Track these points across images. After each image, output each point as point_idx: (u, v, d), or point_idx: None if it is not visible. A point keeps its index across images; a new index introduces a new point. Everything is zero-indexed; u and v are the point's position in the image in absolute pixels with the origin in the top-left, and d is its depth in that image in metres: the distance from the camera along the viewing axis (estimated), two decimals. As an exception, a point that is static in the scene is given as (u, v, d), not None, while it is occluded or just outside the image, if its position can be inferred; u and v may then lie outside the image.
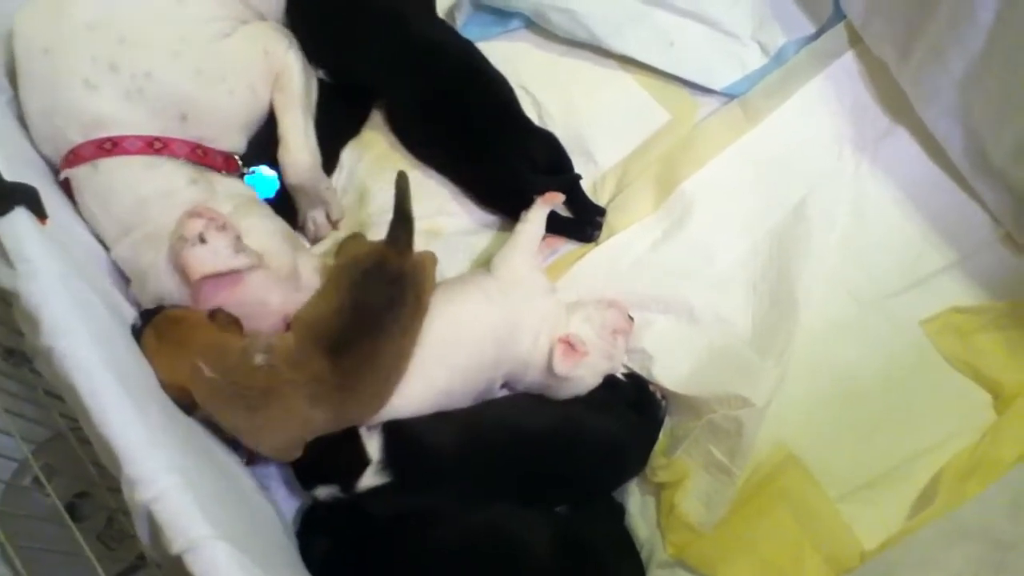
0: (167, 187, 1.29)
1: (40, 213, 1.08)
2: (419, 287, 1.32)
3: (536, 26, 1.72)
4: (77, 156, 1.26)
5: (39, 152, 1.31)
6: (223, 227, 1.21)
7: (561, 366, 1.34)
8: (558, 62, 1.71)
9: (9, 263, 1.01)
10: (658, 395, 1.44)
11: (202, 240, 1.18)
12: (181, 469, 0.94)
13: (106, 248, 1.30)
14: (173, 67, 1.33)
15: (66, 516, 1.25)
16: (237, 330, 1.23)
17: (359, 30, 1.56)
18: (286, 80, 1.48)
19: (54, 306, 0.98)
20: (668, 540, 1.37)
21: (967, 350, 1.45)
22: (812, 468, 1.38)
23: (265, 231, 1.33)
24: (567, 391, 1.40)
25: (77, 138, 1.27)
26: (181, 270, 1.20)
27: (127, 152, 1.27)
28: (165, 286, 1.23)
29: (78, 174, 1.27)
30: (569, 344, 1.35)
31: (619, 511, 1.41)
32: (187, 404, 1.16)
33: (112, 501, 1.36)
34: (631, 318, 1.45)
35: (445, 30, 1.65)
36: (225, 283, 1.22)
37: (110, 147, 1.26)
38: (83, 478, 1.35)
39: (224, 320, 1.22)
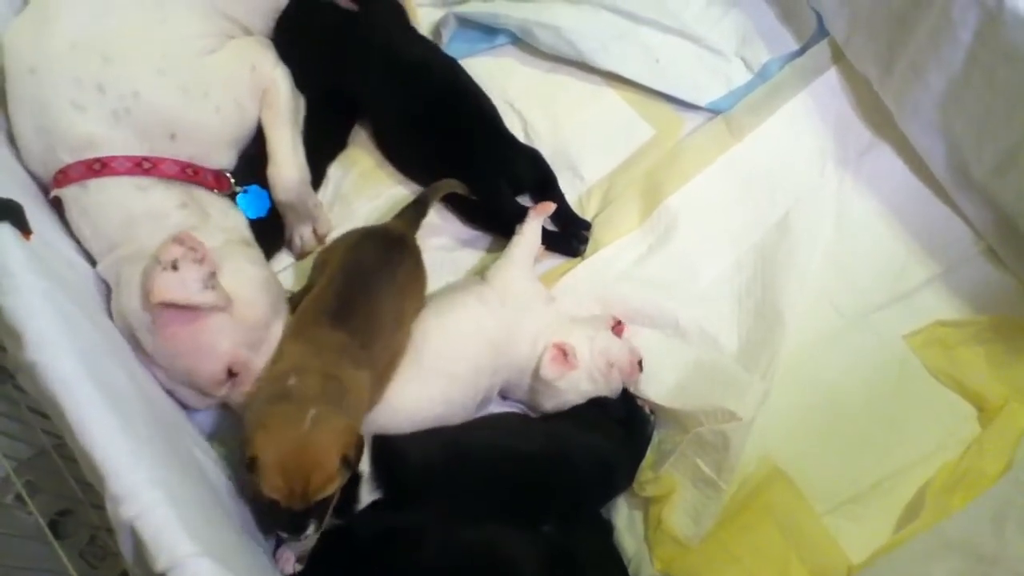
0: (157, 209, 1.28)
1: (24, 228, 1.08)
2: (419, 255, 1.39)
3: (522, 42, 1.73)
4: (66, 176, 1.26)
5: (27, 169, 1.30)
6: (201, 260, 1.18)
7: (547, 369, 1.35)
8: (544, 78, 1.72)
9: (-8, 278, 1.00)
10: (646, 410, 1.44)
11: (174, 267, 1.15)
12: (165, 484, 0.93)
13: (92, 264, 1.29)
14: (158, 85, 1.32)
15: (49, 534, 1.24)
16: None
17: (345, 50, 1.57)
18: (273, 96, 1.48)
19: (37, 321, 0.97)
20: (656, 555, 1.36)
21: (951, 363, 1.46)
22: (798, 482, 1.38)
23: (246, 277, 1.28)
24: (548, 401, 1.40)
25: (66, 158, 1.26)
26: (146, 291, 1.17)
27: (116, 173, 1.27)
28: (129, 304, 1.20)
29: (67, 194, 1.27)
30: (562, 351, 1.36)
31: (607, 527, 1.40)
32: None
33: (95, 518, 1.35)
34: (640, 367, 1.44)
35: (429, 48, 1.66)
36: (183, 316, 1.18)
37: (99, 168, 1.26)
38: (66, 495, 1.34)
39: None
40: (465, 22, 1.73)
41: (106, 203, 1.26)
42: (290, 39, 1.57)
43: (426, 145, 1.57)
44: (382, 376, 1.30)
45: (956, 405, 1.44)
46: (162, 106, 1.32)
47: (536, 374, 1.37)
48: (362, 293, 1.28)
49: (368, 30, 1.59)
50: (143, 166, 1.29)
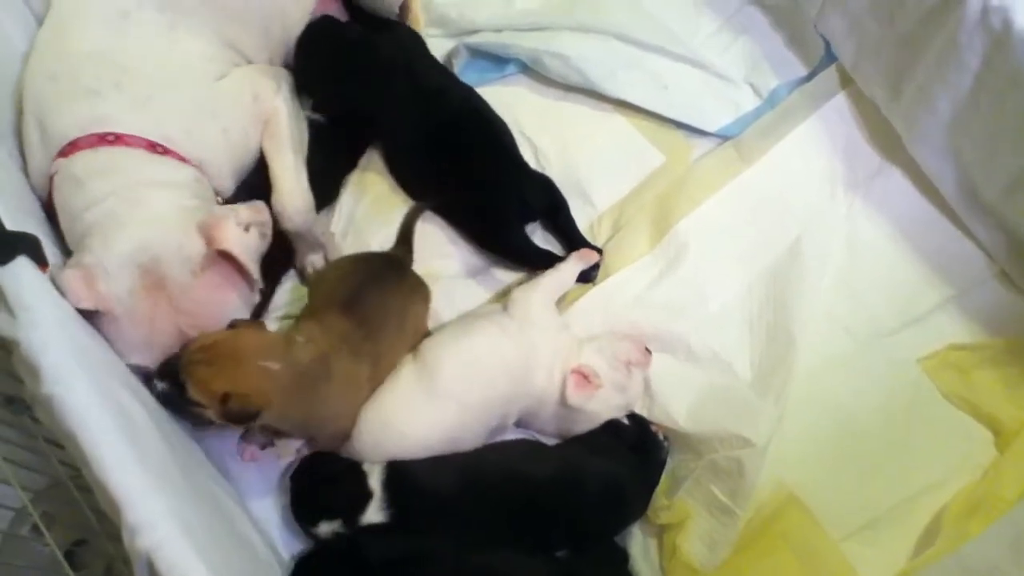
0: (170, 179, 1.28)
1: (41, 261, 1.09)
2: (417, 278, 1.47)
3: (532, 71, 1.75)
4: (75, 146, 1.25)
5: (36, 195, 1.31)
6: (264, 236, 1.29)
7: (575, 396, 1.36)
8: (554, 106, 1.73)
9: (10, 311, 1.01)
10: (660, 435, 1.44)
11: (246, 229, 1.23)
12: (180, 515, 0.94)
13: None
14: (171, 95, 1.34)
15: (65, 564, 1.24)
16: (261, 326, 1.30)
17: (364, 74, 1.58)
18: (275, 126, 1.48)
19: (54, 354, 0.98)
20: (671, 582, 1.36)
21: (966, 387, 1.46)
22: (813, 508, 1.37)
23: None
24: (581, 425, 1.41)
25: (76, 134, 1.25)
26: (210, 230, 1.19)
27: (130, 145, 1.26)
28: (171, 238, 1.19)
29: (71, 162, 1.24)
30: (583, 375, 1.36)
31: (621, 555, 1.40)
32: (252, 411, 1.17)
33: (111, 549, 1.35)
34: (648, 351, 1.45)
35: (447, 76, 1.68)
36: (225, 271, 1.24)
37: (112, 139, 1.26)
38: (82, 526, 1.34)
39: (247, 324, 1.25)
40: (476, 52, 1.75)
41: (118, 165, 1.25)
42: (309, 59, 1.58)
43: (439, 171, 1.58)
44: (377, 374, 1.36)
45: (971, 429, 1.43)
46: (175, 111, 1.33)
47: (563, 402, 1.38)
48: (373, 287, 1.37)
49: (388, 55, 1.60)
50: (156, 149, 1.29)
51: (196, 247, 1.20)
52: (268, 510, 1.36)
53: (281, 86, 1.52)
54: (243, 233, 1.23)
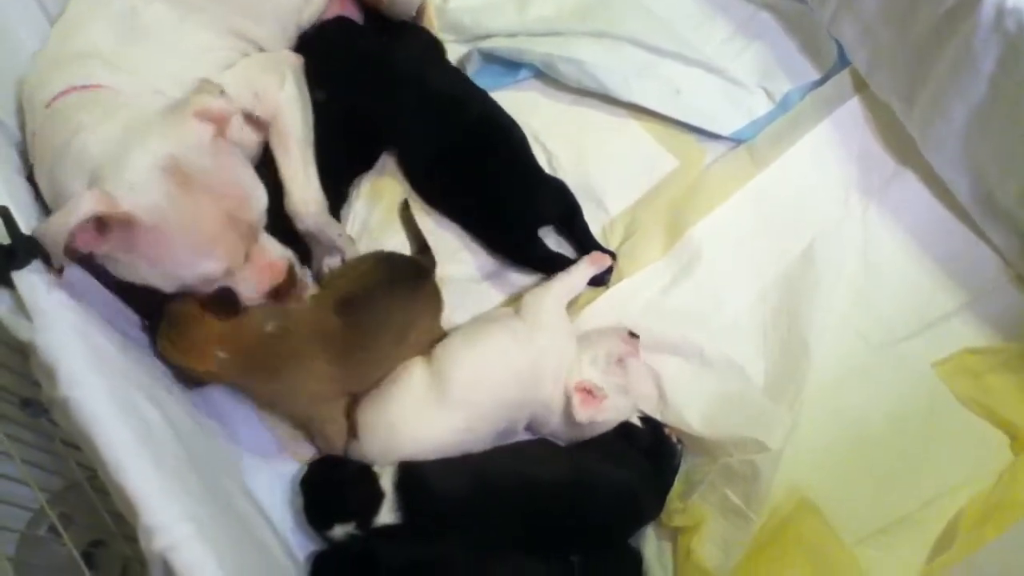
0: (149, 101, 1.24)
1: (56, 265, 1.10)
2: (435, 286, 1.48)
3: (545, 76, 1.75)
4: (65, 92, 1.23)
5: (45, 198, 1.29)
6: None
7: (583, 414, 1.37)
8: (567, 111, 1.74)
9: (26, 315, 1.02)
10: (673, 439, 1.44)
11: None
12: (196, 518, 0.95)
13: (118, 294, 1.29)
14: (167, 77, 1.31)
15: (82, 565, 1.25)
16: (234, 310, 1.26)
17: (381, 77, 1.59)
18: (279, 125, 1.44)
19: (70, 357, 0.99)
20: (684, 586, 1.36)
21: (981, 391, 1.45)
22: (827, 513, 1.37)
23: None
24: (595, 430, 1.41)
25: (60, 88, 1.23)
26: (205, 111, 1.16)
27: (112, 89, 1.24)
28: (187, 131, 1.15)
29: (52, 108, 1.21)
30: (586, 391, 1.36)
31: (635, 558, 1.40)
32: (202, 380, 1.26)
33: (128, 549, 1.36)
34: (634, 335, 1.46)
35: (462, 80, 1.68)
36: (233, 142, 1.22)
37: (95, 87, 1.24)
38: (99, 527, 1.35)
39: (219, 304, 1.24)
40: (489, 57, 1.76)
41: (94, 101, 1.21)
42: (324, 62, 1.57)
43: (455, 177, 1.59)
44: (360, 380, 1.37)
45: (987, 434, 1.43)
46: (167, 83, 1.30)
47: (572, 419, 1.38)
48: (382, 294, 1.37)
49: (403, 62, 1.61)
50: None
51: (202, 132, 1.15)
52: (283, 513, 1.37)
53: (286, 79, 1.46)
54: (224, 98, 1.19)
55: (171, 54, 1.35)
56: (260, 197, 1.24)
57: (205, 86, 1.19)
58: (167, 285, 1.19)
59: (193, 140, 1.14)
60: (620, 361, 1.43)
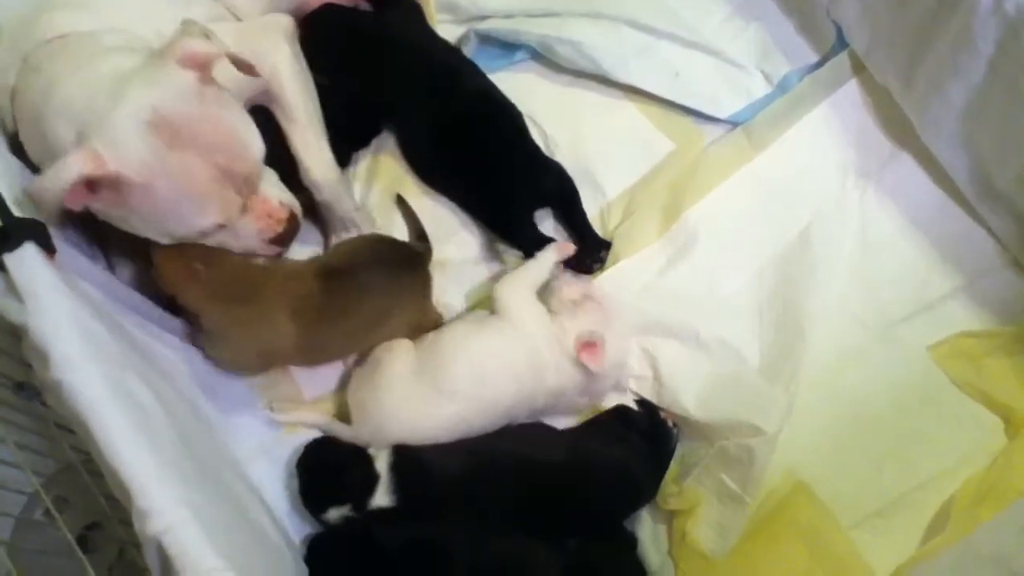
0: (124, 43, 1.19)
1: (48, 248, 1.09)
2: (428, 275, 1.46)
3: (542, 58, 1.74)
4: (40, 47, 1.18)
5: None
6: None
7: (598, 366, 1.36)
8: (564, 93, 1.73)
9: (18, 297, 1.01)
10: (670, 423, 1.44)
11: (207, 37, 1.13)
12: (191, 501, 0.94)
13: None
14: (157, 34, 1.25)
15: (77, 548, 1.25)
16: None
17: (379, 56, 1.58)
18: (280, 89, 1.38)
19: (63, 340, 0.99)
20: (680, 569, 1.36)
21: (976, 375, 1.45)
22: (823, 496, 1.37)
23: None
24: (617, 376, 1.44)
25: (32, 47, 1.18)
26: (187, 57, 1.09)
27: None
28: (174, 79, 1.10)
29: (26, 62, 1.17)
30: (587, 345, 1.36)
31: (631, 541, 1.40)
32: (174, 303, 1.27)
33: (123, 533, 1.36)
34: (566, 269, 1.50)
35: (457, 59, 1.67)
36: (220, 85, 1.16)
37: (65, 36, 1.19)
38: (94, 510, 1.35)
39: None
40: (486, 38, 1.74)
41: (65, 49, 1.16)
42: (316, 46, 1.53)
43: (452, 157, 1.58)
44: (317, 353, 1.39)
45: (982, 417, 1.43)
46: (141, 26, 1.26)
47: (591, 381, 1.39)
48: (360, 271, 1.36)
49: (398, 44, 1.60)
50: None
51: (185, 78, 1.10)
52: (278, 497, 1.37)
53: (279, 41, 1.40)
54: (207, 40, 1.12)
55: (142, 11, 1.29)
56: (255, 146, 1.19)
57: (188, 28, 1.12)
58: (161, 238, 1.19)
59: (178, 89, 1.10)
60: (580, 300, 1.42)
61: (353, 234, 1.52)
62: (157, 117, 1.08)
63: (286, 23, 1.44)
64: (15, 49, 1.20)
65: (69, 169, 1.03)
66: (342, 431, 1.38)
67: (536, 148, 1.60)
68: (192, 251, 1.22)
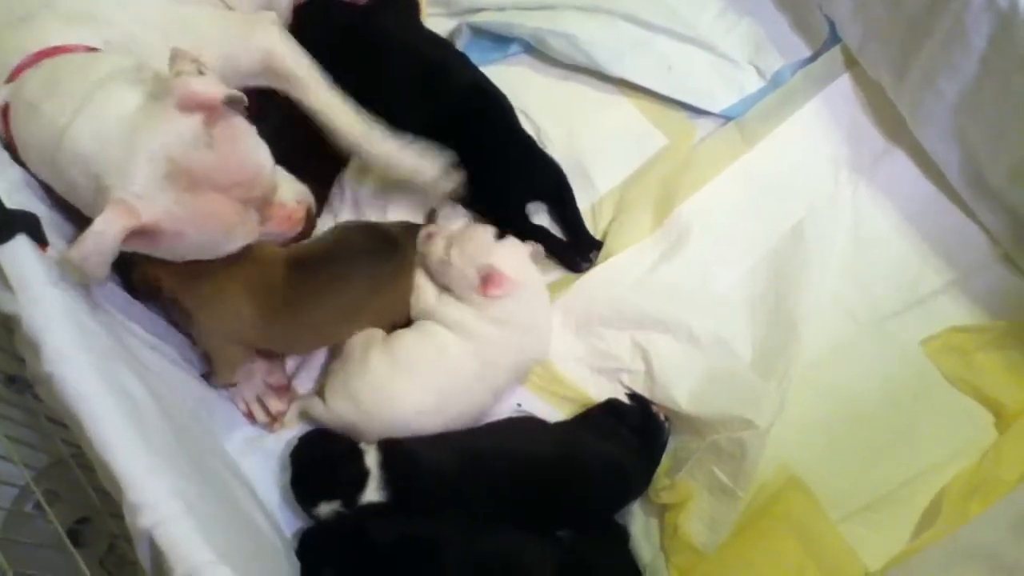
0: (115, 68, 1.16)
1: (41, 240, 1.08)
2: (409, 262, 1.41)
3: (535, 51, 1.74)
4: (19, 69, 1.17)
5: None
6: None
7: (503, 288, 1.36)
8: (557, 87, 1.72)
9: (10, 289, 1.01)
10: (661, 417, 1.44)
11: (200, 72, 1.12)
12: (183, 494, 0.94)
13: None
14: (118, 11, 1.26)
15: (68, 542, 1.24)
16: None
17: (362, 51, 1.57)
18: (280, 65, 1.38)
19: (55, 332, 0.98)
20: (672, 562, 1.36)
21: (968, 369, 1.46)
22: (814, 489, 1.37)
23: None
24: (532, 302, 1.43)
25: (16, 60, 1.17)
26: (188, 100, 1.08)
27: (70, 51, 1.18)
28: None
29: (18, 86, 1.15)
30: (489, 277, 1.36)
31: (623, 535, 1.40)
32: (149, 289, 1.25)
33: (114, 527, 1.36)
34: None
35: (446, 50, 1.66)
36: (228, 118, 1.15)
37: (51, 51, 1.18)
38: (84, 504, 1.35)
39: None
40: (479, 32, 1.74)
41: (56, 80, 1.14)
42: (305, 38, 1.50)
43: (449, 146, 1.57)
44: (282, 342, 1.38)
45: (973, 411, 1.43)
46: (122, 20, 1.26)
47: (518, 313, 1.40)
48: (334, 265, 1.33)
49: (386, 28, 1.59)
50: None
51: (191, 124, 1.09)
52: (270, 491, 1.37)
53: (268, 28, 1.40)
54: (203, 77, 1.11)
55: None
56: (267, 167, 1.20)
57: (180, 62, 1.11)
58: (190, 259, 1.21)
59: (186, 137, 1.09)
60: (448, 251, 1.41)
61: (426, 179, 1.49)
62: (174, 168, 1.08)
63: (272, 16, 1.44)
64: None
65: (112, 226, 1.03)
66: (321, 413, 1.37)
67: (531, 140, 1.60)
68: None
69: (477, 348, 1.37)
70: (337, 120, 1.41)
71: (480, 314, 1.38)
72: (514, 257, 1.42)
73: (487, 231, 1.44)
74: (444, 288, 1.43)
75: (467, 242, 1.41)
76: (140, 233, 1.06)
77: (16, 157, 1.18)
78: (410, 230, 1.47)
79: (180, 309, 1.30)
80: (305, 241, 1.37)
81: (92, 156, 1.08)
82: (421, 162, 1.47)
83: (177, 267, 1.20)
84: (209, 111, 1.10)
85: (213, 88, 1.09)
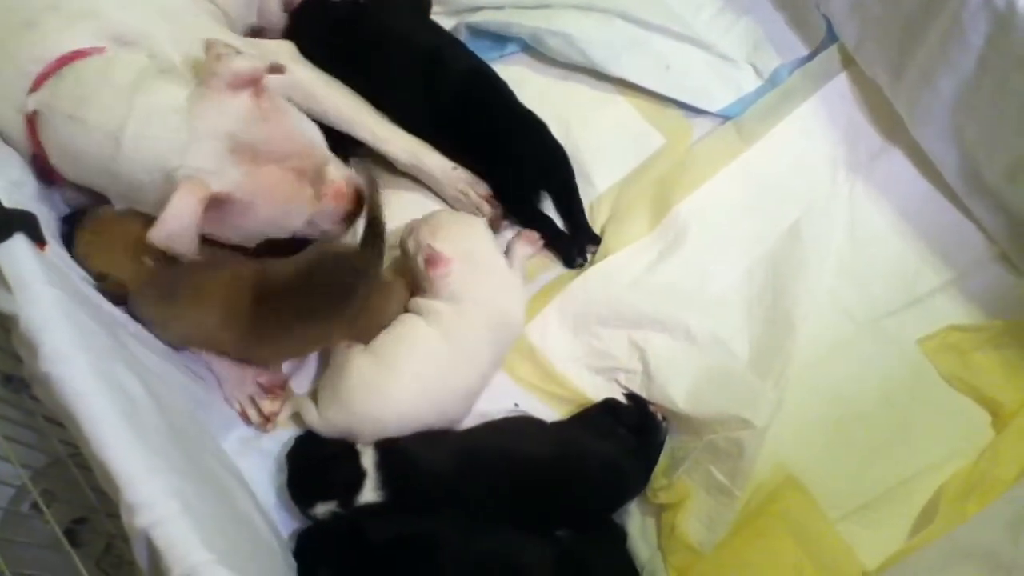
0: (139, 67, 1.20)
1: (39, 239, 1.09)
2: (373, 297, 1.37)
3: (533, 50, 1.74)
4: (43, 77, 1.19)
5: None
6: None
7: (444, 268, 1.38)
8: (554, 86, 1.73)
9: (8, 288, 1.01)
10: (658, 416, 1.44)
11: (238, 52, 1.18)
12: (180, 494, 0.94)
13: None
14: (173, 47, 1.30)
15: (65, 542, 1.24)
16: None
17: (360, 45, 1.57)
18: (303, 84, 1.45)
19: (52, 332, 0.98)
20: (669, 562, 1.36)
21: (965, 369, 1.46)
22: (812, 488, 1.37)
23: None
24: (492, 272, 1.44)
25: (35, 68, 1.19)
26: (234, 79, 1.15)
27: (88, 56, 1.20)
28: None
29: (49, 96, 1.18)
30: (433, 259, 1.38)
31: (620, 534, 1.40)
32: (118, 296, 1.25)
33: (111, 527, 1.35)
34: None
35: (444, 35, 1.67)
36: (270, 94, 1.21)
37: (69, 58, 1.20)
38: (82, 504, 1.35)
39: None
40: (477, 31, 1.74)
41: (90, 87, 1.17)
42: (303, 40, 1.54)
43: (456, 134, 1.57)
44: (255, 356, 1.38)
45: (970, 410, 1.44)
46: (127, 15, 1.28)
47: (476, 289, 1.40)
48: (296, 304, 1.30)
49: (383, 20, 1.60)
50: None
51: (243, 100, 1.17)
52: (267, 491, 1.37)
53: (284, 56, 1.45)
54: (243, 55, 1.18)
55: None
56: (317, 139, 1.28)
57: (215, 47, 1.17)
58: (249, 242, 1.27)
59: (242, 113, 1.16)
60: (407, 239, 1.44)
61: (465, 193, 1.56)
62: (236, 143, 1.15)
63: (288, 46, 1.52)
64: (11, 64, 1.20)
65: (186, 202, 1.10)
66: (317, 425, 1.37)
67: (538, 124, 1.59)
68: (126, 236, 1.23)
69: (445, 330, 1.37)
70: (363, 125, 1.50)
71: (436, 296, 1.39)
72: (458, 234, 1.43)
73: (444, 215, 1.48)
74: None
75: (420, 229, 1.43)
76: (216, 206, 1.12)
77: (42, 166, 1.21)
78: (371, 255, 1.35)
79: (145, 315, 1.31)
80: (279, 261, 1.32)
81: (157, 152, 1.14)
82: (443, 160, 1.55)
83: (153, 283, 1.24)
84: (256, 86, 1.17)
85: (256, 63, 1.17)
